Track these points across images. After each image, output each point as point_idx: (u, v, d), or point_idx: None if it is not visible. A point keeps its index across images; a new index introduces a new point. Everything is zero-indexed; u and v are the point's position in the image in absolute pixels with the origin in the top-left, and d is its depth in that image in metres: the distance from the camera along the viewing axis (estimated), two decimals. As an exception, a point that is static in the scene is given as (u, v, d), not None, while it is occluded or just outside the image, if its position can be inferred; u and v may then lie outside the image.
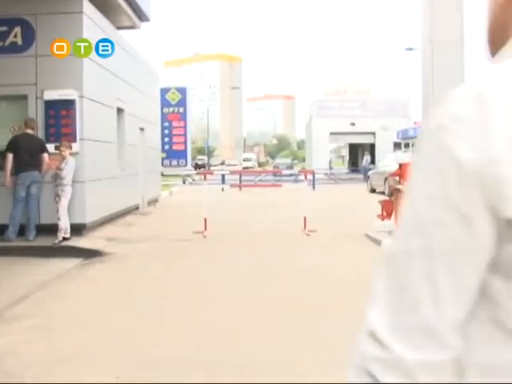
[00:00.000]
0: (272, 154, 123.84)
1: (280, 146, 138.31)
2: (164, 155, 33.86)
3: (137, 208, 16.76)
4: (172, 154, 35.64)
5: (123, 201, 14.60)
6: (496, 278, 0.86)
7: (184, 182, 35.70)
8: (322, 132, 56.55)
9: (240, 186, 23.55)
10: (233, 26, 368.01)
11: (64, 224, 10.58)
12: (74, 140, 11.15)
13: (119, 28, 14.72)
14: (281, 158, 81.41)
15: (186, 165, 37.64)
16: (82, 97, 11.25)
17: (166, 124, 35.21)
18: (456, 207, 0.84)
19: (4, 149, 10.67)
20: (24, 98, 11.27)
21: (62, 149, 10.71)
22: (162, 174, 38.62)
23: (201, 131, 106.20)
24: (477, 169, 0.82)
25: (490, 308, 0.88)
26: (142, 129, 17.67)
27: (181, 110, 36.12)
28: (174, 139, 36.10)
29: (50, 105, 11.19)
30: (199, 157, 77.59)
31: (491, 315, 0.88)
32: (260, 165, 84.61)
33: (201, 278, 8.26)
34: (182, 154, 36.32)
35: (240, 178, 28.43)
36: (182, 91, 37.06)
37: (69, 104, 11.17)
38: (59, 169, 10.70)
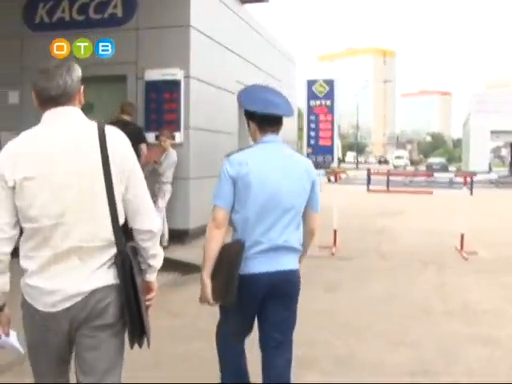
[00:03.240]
0: (426, 152, 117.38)
1: (434, 144, 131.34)
2: (310, 150, 31.98)
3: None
4: (318, 149, 33.63)
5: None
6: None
7: (329, 180, 33.38)
8: (482, 130, 51.33)
9: (376, 191, 20.58)
10: (387, 19, 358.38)
11: (160, 230, 8.75)
12: (178, 129, 9.28)
13: (244, 2, 12.70)
14: (435, 157, 75.92)
15: (332, 161, 35.43)
16: (188, 77, 9.34)
17: (313, 118, 33.17)
18: None
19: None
20: (123, 78, 9.58)
21: (162, 138, 8.88)
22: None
23: (353, 127, 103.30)
24: None
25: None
26: (273, 119, 15.61)
27: (328, 103, 33.75)
28: (321, 134, 33.97)
29: (152, 86, 9.41)
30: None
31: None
32: (412, 163, 79.50)
33: (310, 314, 6.00)
34: (328, 150, 34.20)
35: (388, 179, 24.72)
36: (330, 83, 34.73)
37: (173, 85, 9.32)
38: (157, 162, 8.90)
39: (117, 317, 2.44)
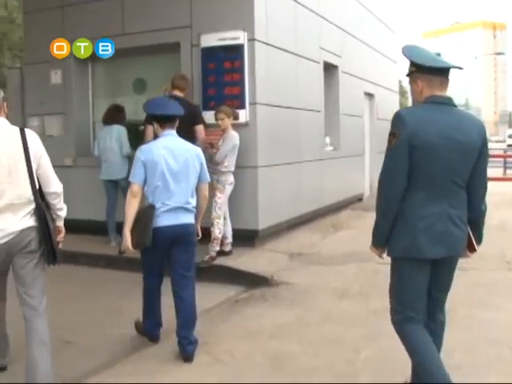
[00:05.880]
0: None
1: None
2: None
3: (360, 199, 12.75)
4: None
5: (335, 191, 10.68)
6: None
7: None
8: None
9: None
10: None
11: (219, 231, 7.01)
12: (242, 105, 7.50)
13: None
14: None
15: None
16: (253, 40, 7.52)
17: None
18: None
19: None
20: (176, 47, 7.91)
21: (221, 117, 7.10)
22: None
23: (461, 105, 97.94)
24: None
25: None
26: (369, 94, 13.52)
27: (434, 78, 31.37)
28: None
29: (209, 54, 7.67)
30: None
31: None
32: (527, 142, 73.44)
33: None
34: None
35: (504, 162, 21.08)
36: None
37: (234, 52, 7.54)
38: (213, 147, 7.16)
39: (37, 246, 3.68)
